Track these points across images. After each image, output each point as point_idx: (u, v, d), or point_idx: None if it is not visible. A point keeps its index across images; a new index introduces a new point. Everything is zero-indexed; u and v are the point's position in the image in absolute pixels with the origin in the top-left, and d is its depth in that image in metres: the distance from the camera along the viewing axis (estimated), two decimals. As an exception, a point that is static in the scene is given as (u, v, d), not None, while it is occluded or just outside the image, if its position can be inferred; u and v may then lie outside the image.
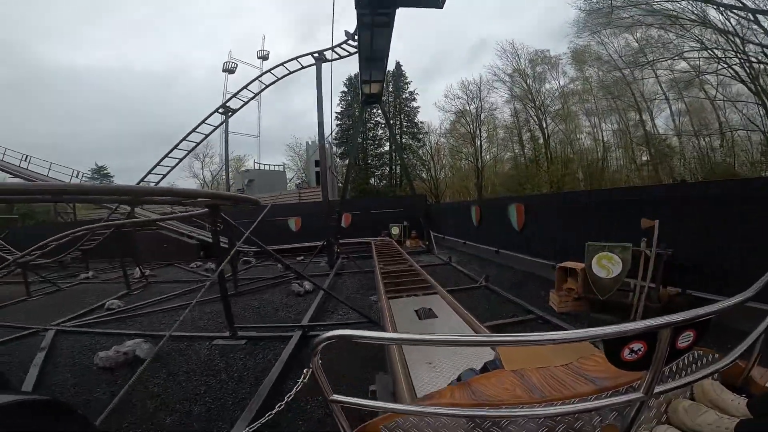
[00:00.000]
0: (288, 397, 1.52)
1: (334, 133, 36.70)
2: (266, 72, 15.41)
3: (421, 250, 14.89)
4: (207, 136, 15.09)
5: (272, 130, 65.15)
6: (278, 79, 15.65)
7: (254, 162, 28.80)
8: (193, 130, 14.71)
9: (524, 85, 28.66)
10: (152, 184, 15.42)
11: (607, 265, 5.48)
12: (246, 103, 15.72)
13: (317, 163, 31.66)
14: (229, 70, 39.41)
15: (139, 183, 14.88)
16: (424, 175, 36.17)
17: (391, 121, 35.77)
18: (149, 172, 14.72)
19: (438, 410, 1.08)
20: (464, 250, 13.91)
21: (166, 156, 14.65)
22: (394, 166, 35.32)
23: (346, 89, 37.59)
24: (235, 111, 15.29)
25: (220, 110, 14.82)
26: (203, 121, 14.72)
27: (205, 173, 41.42)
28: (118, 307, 8.14)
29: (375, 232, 18.32)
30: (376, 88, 15.26)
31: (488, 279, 8.19)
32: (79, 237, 15.49)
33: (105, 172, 38.28)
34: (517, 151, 30.36)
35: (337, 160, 35.57)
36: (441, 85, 62.45)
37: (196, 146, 14.96)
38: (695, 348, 1.08)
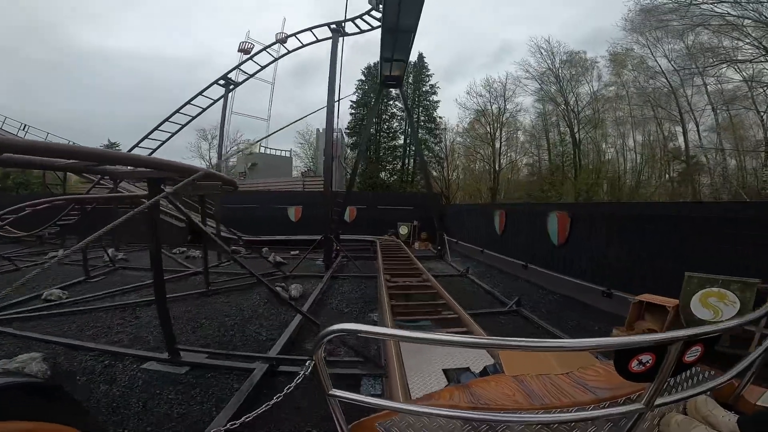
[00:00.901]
0: (287, 389, 1.54)
1: (347, 123, 35.13)
2: (275, 43, 13.86)
3: (432, 255, 13.22)
4: (205, 109, 13.59)
5: (287, 119, 63.88)
6: (289, 52, 14.10)
7: (260, 146, 27.39)
8: (188, 102, 13.21)
9: (558, 85, 26.69)
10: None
11: (715, 304, 3.79)
12: (250, 76, 14.20)
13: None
14: (245, 50, 37.95)
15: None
16: (435, 173, 34.51)
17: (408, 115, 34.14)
18: (135, 146, 13.28)
19: (434, 410, 1.07)
20: (482, 260, 12.22)
21: (155, 129, 13.18)
22: (407, 161, 33.56)
23: (363, 77, 35.94)
24: (237, 84, 13.77)
25: (220, 82, 13.29)
26: (200, 93, 13.22)
27: (212, 154, 40.19)
28: (57, 299, 6.63)
29: (381, 229, 16.70)
30: (398, 70, 13.60)
31: (520, 303, 6.51)
32: (58, 210, 14.24)
33: (117, 148, 38.33)
34: (543, 155, 28.37)
35: (348, 150, 33.98)
36: (460, 86, 61.01)
37: (191, 120, 13.48)
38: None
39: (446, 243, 12.27)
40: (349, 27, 12.59)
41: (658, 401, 0.96)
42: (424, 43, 54.97)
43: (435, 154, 33.38)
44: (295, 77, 57.71)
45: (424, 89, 34.85)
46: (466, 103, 33.71)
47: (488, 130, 33.64)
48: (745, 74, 21.90)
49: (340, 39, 12.33)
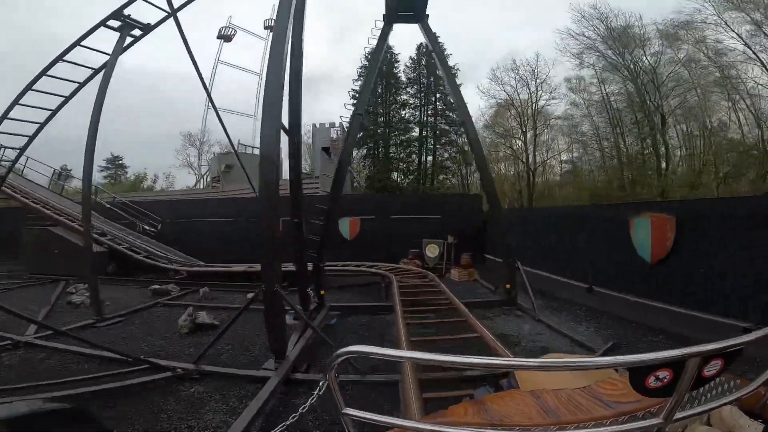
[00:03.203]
0: (302, 409, 1.58)
1: (348, 117, 30.07)
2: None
3: (490, 298, 7.62)
4: (96, 71, 8.27)
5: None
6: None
7: (239, 143, 22.18)
8: (60, 59, 7.85)
9: (618, 52, 20.88)
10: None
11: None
12: (170, 15, 8.48)
13: (326, 151, 24.92)
14: (225, 36, 33.70)
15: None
16: (453, 180, 29.11)
17: (423, 103, 28.98)
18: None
19: (447, 429, 1.10)
20: (595, 307, 6.65)
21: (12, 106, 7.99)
22: (425, 157, 27.75)
23: (367, 63, 31.08)
24: (145, 28, 8.22)
25: (113, 24, 7.82)
26: (77, 43, 7.76)
27: (202, 161, 35.86)
28: None
29: (397, 250, 11.23)
30: (415, -9, 8.25)
31: None
32: None
33: (120, 162, 37.44)
34: (607, 144, 22.21)
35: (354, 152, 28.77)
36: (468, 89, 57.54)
37: (77, 90, 8.33)
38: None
39: (525, 278, 6.63)
40: None
41: (679, 415, 0.96)
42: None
43: (459, 149, 27.88)
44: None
45: (439, 73, 29.71)
46: (490, 90, 28.38)
47: (520, 120, 28.40)
48: None
49: None
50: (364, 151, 28.34)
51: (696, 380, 0.88)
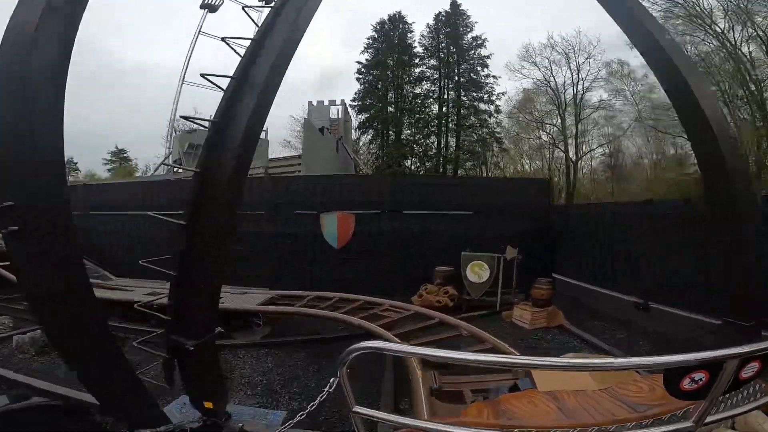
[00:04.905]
0: (311, 407, 1.59)
1: (353, 93, 26.29)
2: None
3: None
4: None
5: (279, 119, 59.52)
6: None
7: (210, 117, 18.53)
8: None
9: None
10: None
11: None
12: None
13: (320, 130, 21.19)
14: (210, 6, 30.45)
15: None
16: (459, 170, 24.98)
17: (445, 79, 24.82)
18: None
19: (459, 429, 1.04)
20: None
21: None
22: (445, 137, 23.21)
23: (375, 35, 27.18)
24: None
25: None
26: None
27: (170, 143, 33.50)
28: None
29: (412, 269, 6.96)
30: None
31: None
32: None
33: (125, 155, 37.97)
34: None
35: (358, 134, 24.82)
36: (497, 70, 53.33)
37: None
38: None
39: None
40: None
41: (709, 419, 0.93)
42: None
43: (491, 131, 23.64)
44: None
45: (463, 42, 25.49)
46: (522, 69, 24.13)
47: (557, 104, 24.32)
48: None
49: None
50: (371, 133, 24.26)
51: (732, 383, 0.86)
